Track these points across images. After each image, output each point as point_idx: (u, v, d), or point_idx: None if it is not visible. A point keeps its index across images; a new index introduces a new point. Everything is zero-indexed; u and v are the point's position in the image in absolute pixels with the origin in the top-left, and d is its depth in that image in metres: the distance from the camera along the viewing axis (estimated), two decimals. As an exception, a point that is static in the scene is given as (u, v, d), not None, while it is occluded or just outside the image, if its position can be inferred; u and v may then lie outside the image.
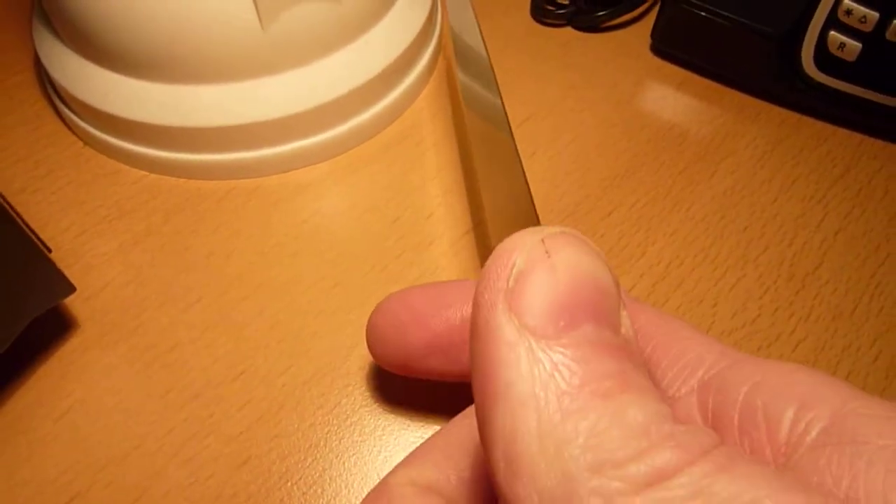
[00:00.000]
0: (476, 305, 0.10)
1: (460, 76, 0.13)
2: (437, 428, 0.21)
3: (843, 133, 0.29)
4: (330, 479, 0.20)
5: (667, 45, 0.31)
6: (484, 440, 0.10)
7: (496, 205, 0.14)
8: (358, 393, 0.22)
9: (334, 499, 0.20)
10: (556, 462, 0.09)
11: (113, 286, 0.24)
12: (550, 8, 0.32)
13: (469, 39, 0.14)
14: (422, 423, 0.21)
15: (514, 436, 0.09)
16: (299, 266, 0.25)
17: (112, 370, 0.22)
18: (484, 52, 0.13)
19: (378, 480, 0.16)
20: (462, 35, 0.19)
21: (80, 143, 0.28)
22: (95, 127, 0.27)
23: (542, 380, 0.09)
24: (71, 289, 0.21)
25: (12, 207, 0.19)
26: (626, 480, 0.09)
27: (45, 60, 0.28)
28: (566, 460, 0.09)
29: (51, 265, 0.20)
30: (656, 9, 0.31)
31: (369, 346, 0.19)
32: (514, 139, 0.11)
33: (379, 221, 0.26)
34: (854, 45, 0.26)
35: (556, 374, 0.09)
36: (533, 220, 0.13)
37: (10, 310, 0.20)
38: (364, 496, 0.15)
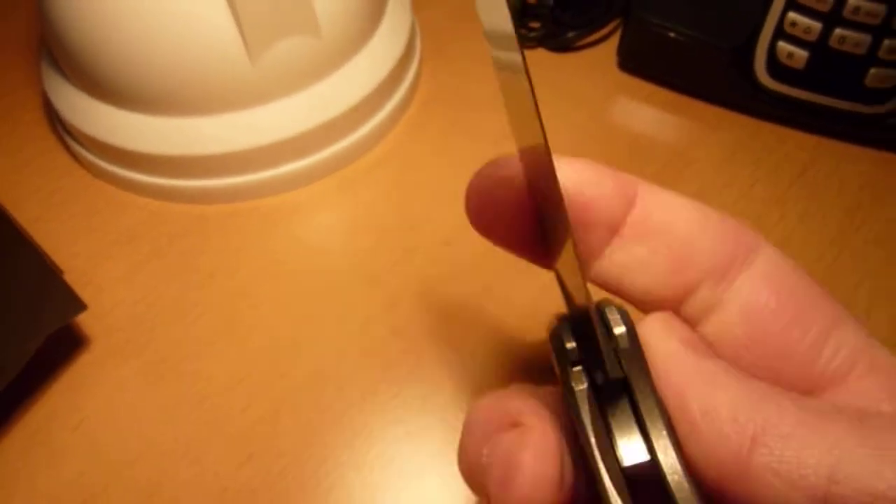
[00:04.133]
0: None
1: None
2: (427, 424, 0.23)
3: (798, 136, 0.31)
4: (325, 473, 0.22)
5: (632, 62, 0.33)
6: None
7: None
8: (349, 395, 0.24)
9: (329, 491, 0.22)
10: None
11: (123, 305, 0.26)
12: (524, 31, 0.34)
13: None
14: (409, 421, 0.23)
15: None
16: (295, 280, 0.27)
17: (124, 382, 0.24)
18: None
19: (369, 474, 0.18)
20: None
21: (89, 175, 0.30)
22: (102, 159, 0.29)
23: None
24: (82, 306, 0.23)
25: (27, 233, 0.21)
26: None
27: (53, 99, 0.30)
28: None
29: (63, 284, 0.22)
30: (621, 28, 0.33)
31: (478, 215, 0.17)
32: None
33: (366, 235, 0.28)
34: (801, 54, 0.28)
35: None
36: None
37: (26, 327, 0.22)
38: (358, 489, 0.17)
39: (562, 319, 0.14)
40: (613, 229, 0.15)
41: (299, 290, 0.26)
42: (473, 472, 0.14)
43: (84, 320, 0.25)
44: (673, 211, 0.15)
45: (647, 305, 0.15)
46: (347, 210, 0.29)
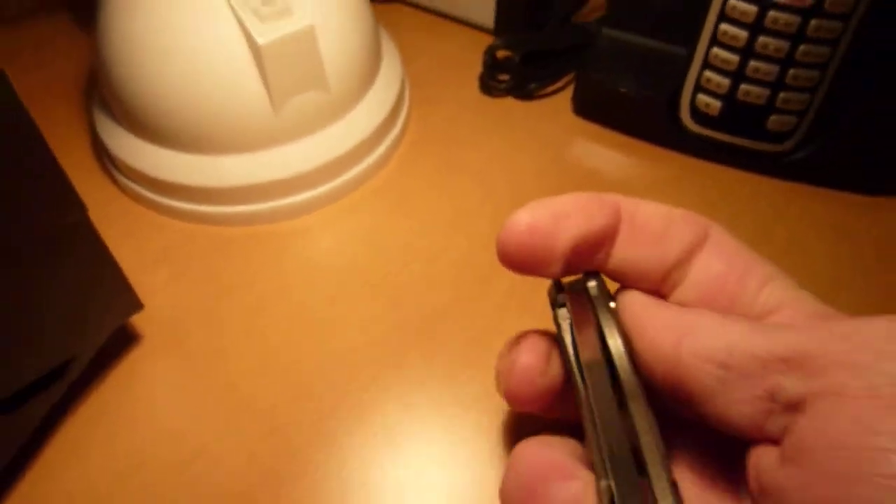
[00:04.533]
0: None
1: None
2: (424, 400, 0.28)
3: (718, 169, 0.37)
4: (338, 442, 0.28)
5: (584, 109, 0.40)
6: None
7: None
8: (358, 378, 0.29)
9: (342, 455, 0.27)
10: None
11: (163, 309, 0.32)
12: (494, 83, 0.41)
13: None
14: (409, 397, 0.29)
15: None
16: (306, 289, 0.33)
17: (169, 371, 0.30)
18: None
19: (374, 440, 0.23)
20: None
21: (131, 201, 0.36)
22: (144, 188, 0.35)
23: None
24: (140, 305, 0.29)
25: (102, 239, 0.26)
26: None
27: (103, 136, 0.36)
28: None
29: (127, 284, 0.27)
30: (575, 81, 0.40)
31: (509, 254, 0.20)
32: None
33: (366, 252, 0.34)
34: (716, 104, 0.35)
35: None
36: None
37: (98, 321, 0.27)
38: (368, 454, 0.23)
39: (555, 282, 0.21)
40: (612, 240, 0.20)
41: (309, 298, 0.32)
42: None
43: (134, 319, 0.31)
44: (647, 213, 0.20)
45: (641, 286, 0.20)
46: (349, 232, 0.35)
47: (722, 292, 0.19)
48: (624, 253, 0.20)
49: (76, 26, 0.46)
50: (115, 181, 0.37)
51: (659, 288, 0.20)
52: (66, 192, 0.22)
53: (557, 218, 0.19)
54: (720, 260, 0.19)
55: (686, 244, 0.19)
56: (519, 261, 0.19)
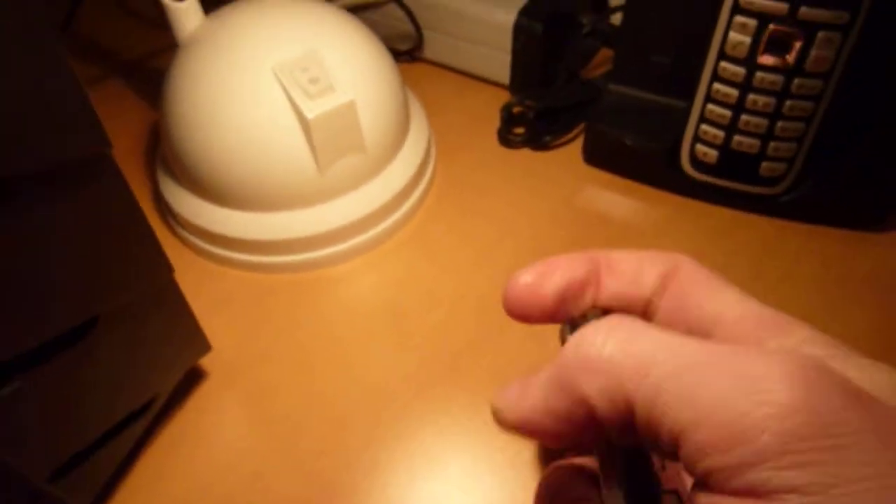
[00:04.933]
0: None
1: None
2: (451, 422, 0.32)
3: (717, 210, 0.41)
4: (376, 458, 0.32)
5: (593, 158, 0.44)
6: None
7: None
8: (389, 409, 0.33)
9: (384, 478, 0.31)
10: None
11: (224, 351, 0.36)
12: (511, 136, 0.45)
13: None
14: (438, 421, 0.33)
15: None
16: (346, 330, 0.37)
17: (232, 404, 0.34)
18: None
19: (405, 453, 0.27)
20: None
21: (192, 253, 0.41)
22: (204, 242, 0.40)
23: None
24: (209, 347, 0.33)
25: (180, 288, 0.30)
26: None
27: (166, 196, 0.40)
28: None
29: (199, 329, 0.32)
30: (584, 133, 0.44)
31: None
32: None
33: (400, 296, 0.38)
34: (712, 153, 0.39)
35: None
36: None
37: (176, 361, 0.31)
38: (402, 464, 0.26)
39: (565, 321, 0.23)
40: (596, 284, 0.22)
41: (348, 337, 0.36)
42: None
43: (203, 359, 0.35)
44: (620, 258, 0.23)
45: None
46: (383, 277, 0.39)
47: (685, 312, 0.21)
48: (608, 292, 0.23)
49: (138, 92, 0.51)
50: (176, 235, 0.41)
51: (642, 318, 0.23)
52: (159, 256, 0.26)
53: (543, 275, 0.22)
54: (685, 288, 0.21)
55: (655, 278, 0.22)
56: (519, 311, 0.23)
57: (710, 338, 0.19)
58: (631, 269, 0.22)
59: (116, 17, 0.60)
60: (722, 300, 0.20)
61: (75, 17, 0.54)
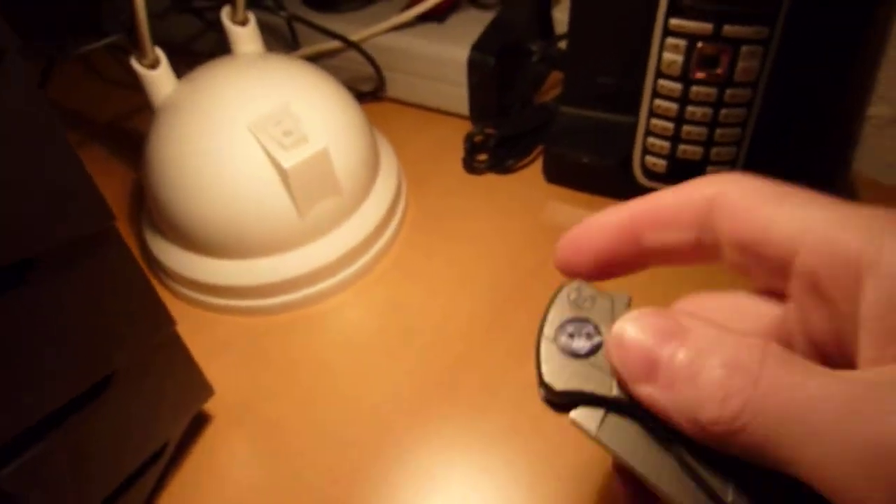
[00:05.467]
0: None
1: None
2: (448, 431, 0.35)
3: (672, 215, 0.44)
4: (388, 487, 0.34)
5: (553, 176, 0.47)
6: None
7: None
8: (391, 429, 0.36)
9: (392, 495, 0.33)
10: None
11: (225, 395, 0.38)
12: (475, 163, 0.48)
13: None
14: (444, 445, 0.35)
15: None
16: (342, 359, 0.39)
17: (239, 444, 0.36)
18: None
19: (413, 491, 0.29)
20: None
21: (186, 305, 0.43)
22: (194, 292, 0.42)
23: None
24: (212, 391, 0.35)
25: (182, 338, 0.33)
26: None
27: (154, 250, 0.42)
28: None
29: (202, 376, 0.34)
30: (543, 154, 0.47)
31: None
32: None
33: (389, 322, 0.40)
34: (661, 163, 0.42)
35: None
36: None
37: (183, 407, 0.33)
38: (410, 468, 0.29)
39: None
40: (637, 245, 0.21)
41: (345, 365, 0.39)
42: None
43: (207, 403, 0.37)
44: (660, 209, 0.21)
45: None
46: (371, 306, 0.42)
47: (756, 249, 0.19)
48: (654, 247, 0.21)
49: (116, 153, 0.54)
50: (168, 288, 0.43)
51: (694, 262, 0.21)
52: (162, 311, 0.28)
53: (576, 252, 0.22)
54: (743, 213, 0.19)
55: (694, 215, 0.20)
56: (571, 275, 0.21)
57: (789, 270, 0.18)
58: (670, 215, 0.20)
59: (88, 81, 0.62)
60: (786, 221, 0.18)
61: (49, 81, 0.56)
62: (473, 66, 0.48)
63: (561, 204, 0.46)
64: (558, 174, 0.47)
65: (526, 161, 0.49)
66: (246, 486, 0.34)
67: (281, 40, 0.54)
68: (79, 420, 0.25)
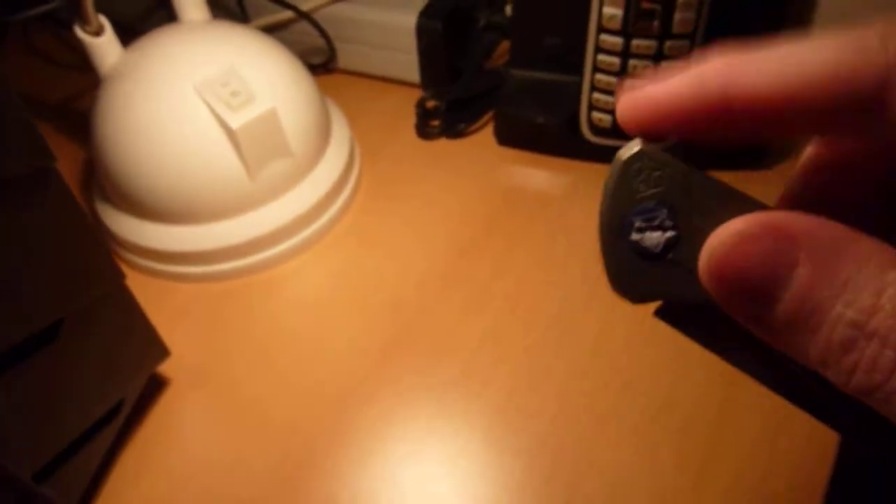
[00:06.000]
0: None
1: None
2: (402, 390, 0.35)
3: (620, 170, 0.45)
4: (346, 433, 0.34)
5: (504, 138, 0.48)
6: None
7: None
8: (350, 382, 0.36)
9: (351, 442, 0.34)
10: None
11: (183, 357, 0.38)
12: (428, 129, 0.49)
13: None
14: (399, 391, 0.35)
15: None
16: (300, 321, 0.39)
17: (197, 404, 0.36)
18: None
19: (373, 441, 0.30)
20: None
21: (142, 275, 0.43)
22: (148, 260, 0.42)
23: None
24: (167, 353, 0.35)
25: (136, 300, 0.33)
26: None
27: (107, 222, 0.42)
28: None
29: (158, 338, 0.34)
30: (494, 118, 0.48)
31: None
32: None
33: (346, 283, 0.41)
34: (607, 118, 0.43)
35: None
36: None
37: (138, 368, 0.33)
38: (364, 434, 0.29)
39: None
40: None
41: (302, 326, 0.39)
42: None
43: (162, 368, 0.37)
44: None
45: None
46: (328, 269, 0.42)
47: None
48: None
49: (63, 133, 0.53)
50: (124, 260, 0.43)
51: None
52: (109, 261, 0.28)
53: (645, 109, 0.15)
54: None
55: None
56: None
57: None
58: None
59: (32, 64, 0.61)
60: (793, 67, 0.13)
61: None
62: (421, 31, 0.48)
63: (512, 164, 0.47)
64: (509, 136, 0.48)
65: (478, 125, 0.49)
66: (208, 442, 0.34)
67: (230, 16, 0.54)
68: (25, 368, 0.25)
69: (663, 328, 0.17)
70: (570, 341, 0.36)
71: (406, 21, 0.49)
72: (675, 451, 0.32)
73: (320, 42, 0.53)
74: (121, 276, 0.29)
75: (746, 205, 0.15)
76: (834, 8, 0.44)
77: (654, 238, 0.15)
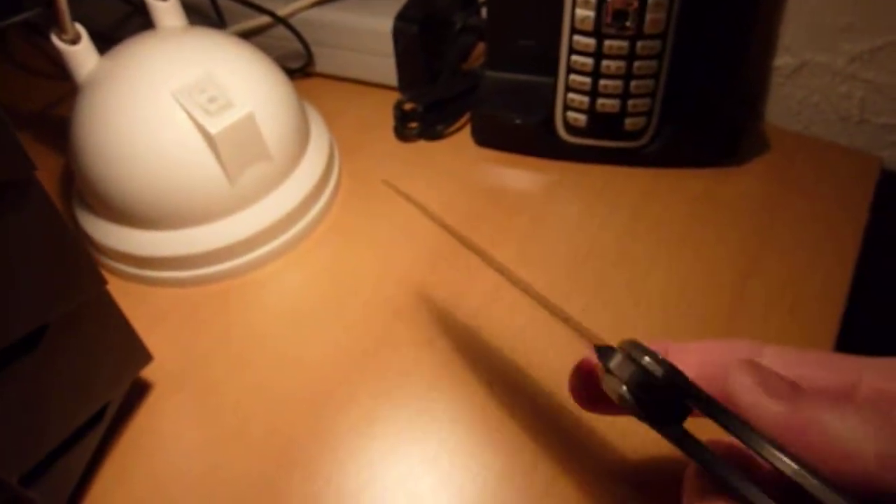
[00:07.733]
0: None
1: None
2: (388, 385, 0.36)
3: (593, 167, 0.46)
4: (327, 435, 0.35)
5: (482, 139, 0.49)
6: None
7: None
8: (329, 383, 0.36)
9: (332, 445, 0.34)
10: None
11: (164, 362, 0.38)
12: (406, 131, 0.49)
13: None
14: (383, 394, 0.36)
15: None
16: (280, 323, 0.40)
17: (179, 408, 0.36)
18: None
19: (354, 440, 0.31)
20: None
21: (121, 281, 0.43)
22: (128, 266, 0.42)
23: None
24: (150, 357, 0.35)
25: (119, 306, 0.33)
26: None
27: (86, 228, 0.42)
28: None
29: (140, 342, 0.34)
30: (471, 119, 0.49)
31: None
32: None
33: (327, 285, 0.41)
34: (581, 118, 0.44)
35: None
36: None
37: (122, 372, 0.34)
38: (353, 431, 0.30)
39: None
40: None
41: (282, 329, 0.39)
42: None
43: (145, 372, 0.37)
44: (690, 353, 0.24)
45: None
46: (309, 271, 0.42)
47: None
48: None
49: (41, 142, 0.53)
50: (103, 266, 0.43)
51: None
52: (91, 267, 0.28)
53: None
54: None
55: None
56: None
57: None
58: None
59: (9, 74, 0.61)
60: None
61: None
62: (398, 34, 0.49)
63: (490, 165, 0.48)
64: (486, 136, 0.48)
65: (456, 127, 0.50)
66: (188, 446, 0.35)
67: (207, 22, 0.54)
68: (9, 375, 0.25)
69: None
70: (550, 339, 0.37)
71: (382, 24, 0.49)
72: (657, 439, 0.32)
73: (297, 46, 0.53)
74: (103, 282, 0.29)
75: None
76: (802, 7, 0.45)
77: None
